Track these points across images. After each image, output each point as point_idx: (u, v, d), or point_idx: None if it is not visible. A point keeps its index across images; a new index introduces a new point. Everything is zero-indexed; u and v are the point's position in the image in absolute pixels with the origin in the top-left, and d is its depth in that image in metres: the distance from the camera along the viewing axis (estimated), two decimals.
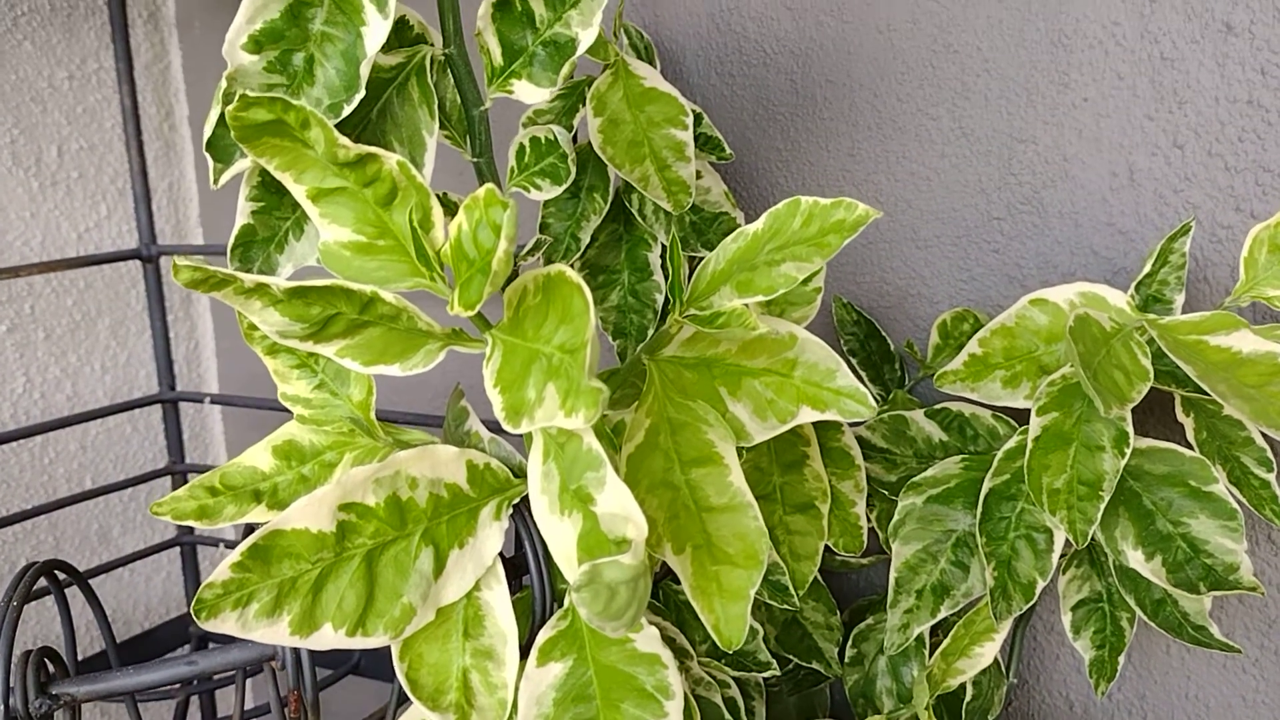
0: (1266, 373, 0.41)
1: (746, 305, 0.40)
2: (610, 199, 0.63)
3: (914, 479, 0.52)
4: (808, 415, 0.43)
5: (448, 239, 0.37)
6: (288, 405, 0.44)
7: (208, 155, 0.37)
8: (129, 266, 0.90)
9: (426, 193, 0.36)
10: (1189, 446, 0.50)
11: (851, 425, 0.59)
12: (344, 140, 0.35)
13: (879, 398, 0.65)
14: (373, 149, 0.36)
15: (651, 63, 0.67)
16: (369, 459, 0.44)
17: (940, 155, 0.63)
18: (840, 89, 0.65)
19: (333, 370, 0.44)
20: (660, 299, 0.64)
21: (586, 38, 0.40)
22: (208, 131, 0.37)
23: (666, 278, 0.65)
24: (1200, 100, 0.56)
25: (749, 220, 0.70)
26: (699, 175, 0.64)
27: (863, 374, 0.65)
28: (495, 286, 0.34)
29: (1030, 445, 0.46)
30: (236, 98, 0.34)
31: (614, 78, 0.59)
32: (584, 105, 0.59)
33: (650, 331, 0.64)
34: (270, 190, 0.40)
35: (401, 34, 0.43)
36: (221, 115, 0.37)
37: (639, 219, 0.63)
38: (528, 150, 0.43)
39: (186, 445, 0.93)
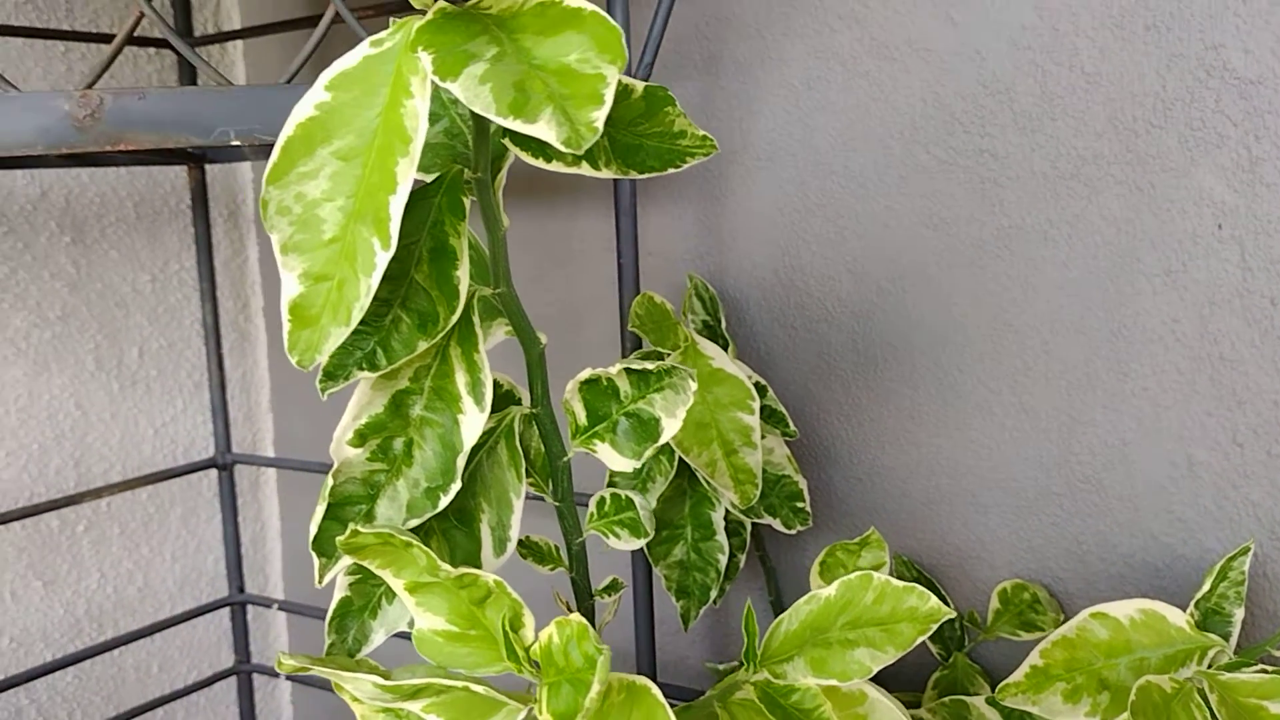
0: None
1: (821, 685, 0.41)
2: (676, 460, 0.65)
3: None
4: None
5: (536, 640, 0.39)
6: None
7: (312, 552, 0.40)
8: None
9: (519, 603, 0.38)
10: None
11: (911, 707, 0.60)
12: (445, 566, 0.37)
13: (940, 657, 0.66)
14: (472, 571, 0.38)
15: (715, 313, 0.69)
16: None
17: (1000, 427, 0.64)
18: (901, 353, 0.67)
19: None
20: (724, 560, 0.66)
21: (670, 427, 0.42)
22: (314, 529, 0.39)
23: (729, 535, 0.67)
24: (1259, 402, 0.57)
25: (810, 485, 0.71)
26: (762, 435, 0.66)
27: None
28: None
29: None
30: (348, 533, 0.36)
31: (683, 358, 0.62)
32: None
33: (713, 593, 0.65)
34: None
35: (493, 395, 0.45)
36: (327, 509, 0.40)
37: (703, 480, 0.65)
38: (608, 501, 0.45)
39: (252, 640, 0.95)
